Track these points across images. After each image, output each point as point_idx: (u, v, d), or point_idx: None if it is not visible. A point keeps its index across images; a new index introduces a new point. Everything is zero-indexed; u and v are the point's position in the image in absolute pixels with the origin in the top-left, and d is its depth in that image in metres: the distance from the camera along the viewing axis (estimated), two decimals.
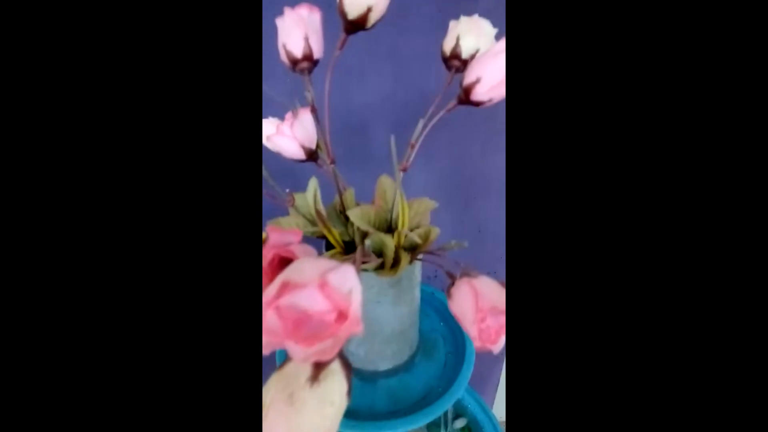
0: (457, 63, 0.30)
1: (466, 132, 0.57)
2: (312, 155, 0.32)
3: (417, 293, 0.39)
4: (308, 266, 0.17)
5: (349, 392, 0.17)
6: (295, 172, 0.35)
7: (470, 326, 0.22)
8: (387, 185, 0.35)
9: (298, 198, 0.36)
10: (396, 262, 0.32)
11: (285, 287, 0.16)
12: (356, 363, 0.41)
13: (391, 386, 0.40)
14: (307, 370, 0.17)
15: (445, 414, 0.56)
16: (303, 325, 0.17)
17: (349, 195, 0.34)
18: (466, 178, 0.61)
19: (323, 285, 0.16)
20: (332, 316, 0.16)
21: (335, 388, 0.16)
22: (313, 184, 0.35)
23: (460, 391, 0.38)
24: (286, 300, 0.16)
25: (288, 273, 0.17)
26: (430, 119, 0.29)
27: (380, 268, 0.34)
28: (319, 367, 0.17)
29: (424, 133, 0.30)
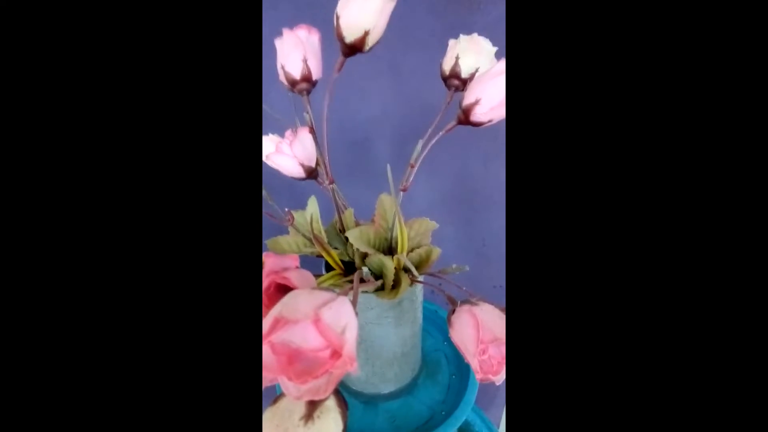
0: (456, 82, 0.30)
1: (468, 147, 0.56)
2: (312, 173, 0.32)
3: (419, 314, 0.38)
4: (302, 300, 0.16)
5: (345, 431, 0.17)
6: (294, 190, 0.35)
7: (471, 358, 0.21)
8: (387, 204, 0.35)
9: (298, 216, 0.36)
10: (396, 285, 0.31)
11: (278, 323, 0.16)
12: (357, 386, 0.40)
13: (393, 410, 0.39)
14: (301, 407, 0.16)
15: None
16: (297, 361, 0.16)
17: (349, 215, 0.33)
18: (469, 193, 0.61)
19: (317, 321, 0.15)
20: (326, 354, 0.15)
21: (330, 427, 0.16)
22: (312, 204, 0.34)
23: (464, 415, 0.37)
24: (279, 336, 0.16)
25: (281, 307, 0.16)
26: (429, 139, 0.29)
27: (380, 290, 0.33)
28: (313, 405, 0.16)
29: (424, 153, 0.29)
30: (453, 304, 0.25)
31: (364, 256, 0.32)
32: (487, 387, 0.75)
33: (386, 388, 0.40)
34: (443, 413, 0.38)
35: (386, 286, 0.32)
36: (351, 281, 0.28)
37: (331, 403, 0.16)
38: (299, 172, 0.32)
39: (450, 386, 0.42)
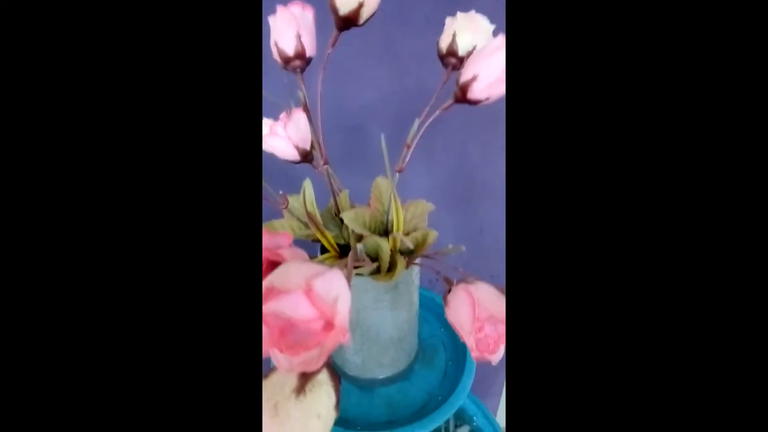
0: (453, 60, 0.29)
1: (467, 131, 0.56)
2: (306, 156, 0.31)
3: (415, 298, 0.37)
4: (294, 271, 0.16)
5: (338, 405, 0.16)
6: (289, 174, 0.35)
7: (467, 336, 0.21)
8: (383, 187, 0.34)
9: (292, 200, 0.35)
10: (392, 267, 0.31)
11: (269, 293, 0.15)
12: (353, 371, 0.40)
13: (389, 395, 0.39)
14: (293, 380, 0.16)
15: (447, 423, 0.55)
16: (288, 333, 0.16)
17: (344, 197, 0.33)
18: (467, 179, 0.60)
19: (309, 291, 0.15)
20: (318, 325, 0.15)
21: (322, 400, 0.15)
22: (306, 186, 0.34)
23: (460, 401, 0.37)
24: (270, 306, 0.15)
25: (273, 278, 0.16)
26: (426, 119, 0.28)
27: (376, 272, 0.33)
28: (305, 378, 0.16)
29: (420, 132, 0.29)
30: (449, 284, 0.25)
31: (360, 238, 0.32)
32: (483, 376, 0.75)
33: (382, 374, 0.39)
34: (440, 398, 0.38)
35: (382, 268, 0.31)
36: (343, 265, 0.27)
37: (324, 377, 0.16)
38: (294, 155, 0.31)
39: (447, 372, 0.41)
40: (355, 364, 0.39)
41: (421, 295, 0.41)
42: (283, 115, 0.30)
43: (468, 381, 0.39)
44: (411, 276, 0.35)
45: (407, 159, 0.30)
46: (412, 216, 0.35)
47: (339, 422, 0.37)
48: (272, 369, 0.17)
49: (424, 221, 0.35)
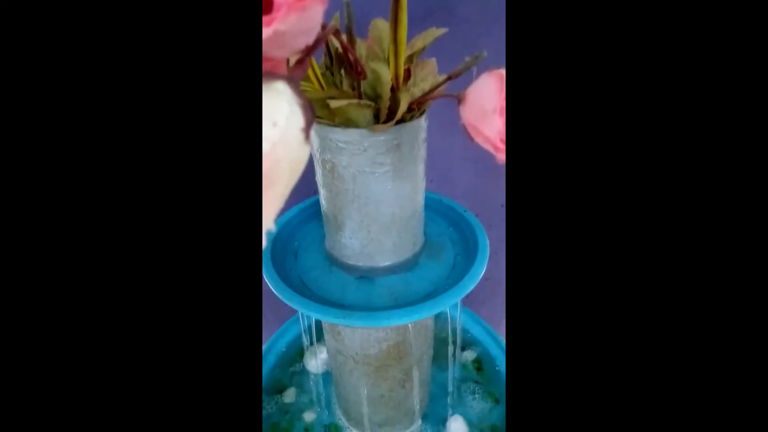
0: None
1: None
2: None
3: (421, 169, 0.33)
4: None
5: (307, 132, 0.12)
6: None
7: (492, 117, 0.16)
8: (383, 28, 0.29)
9: None
10: (393, 108, 0.26)
11: None
12: (351, 258, 0.35)
13: (391, 284, 0.35)
14: None
15: (454, 345, 0.51)
16: None
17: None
18: None
19: None
20: None
21: (280, 107, 0.11)
22: None
23: (470, 286, 0.33)
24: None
25: None
26: None
27: (374, 120, 0.28)
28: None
29: None
30: (461, 99, 0.20)
31: None
32: (486, 297, 0.72)
33: (383, 261, 0.35)
34: (446, 287, 0.33)
35: (381, 109, 0.26)
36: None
37: (283, 87, 0.11)
38: None
39: (455, 265, 0.37)
40: (353, 250, 0.35)
41: (426, 197, 0.36)
42: None
43: (480, 269, 0.34)
44: (416, 135, 0.30)
45: None
46: (422, 78, 0.30)
47: (335, 306, 0.33)
48: None
49: (434, 76, 0.30)
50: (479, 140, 0.18)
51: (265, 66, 0.12)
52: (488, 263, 0.35)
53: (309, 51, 0.13)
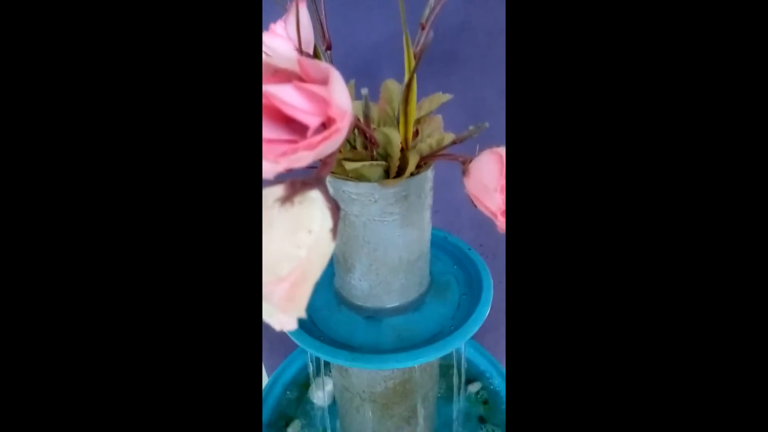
0: None
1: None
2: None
3: (427, 216, 0.34)
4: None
5: (334, 232, 0.13)
6: None
7: (493, 194, 0.18)
8: (393, 89, 0.31)
9: None
10: (402, 166, 0.28)
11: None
12: (360, 299, 0.37)
13: (397, 325, 0.36)
14: (279, 191, 0.13)
15: (459, 377, 0.52)
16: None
17: (350, 87, 0.30)
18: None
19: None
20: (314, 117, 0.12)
21: (314, 215, 0.13)
22: None
23: (474, 328, 0.34)
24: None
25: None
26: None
27: (384, 177, 0.30)
28: (294, 188, 0.13)
29: (437, 10, 0.26)
30: (466, 162, 0.22)
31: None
32: (493, 329, 0.72)
33: (391, 301, 0.37)
34: (452, 327, 0.35)
35: (391, 167, 0.28)
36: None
37: (316, 195, 0.13)
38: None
39: (460, 304, 0.39)
40: (362, 291, 0.36)
41: (432, 235, 0.38)
42: (285, 15, 0.27)
43: (484, 310, 0.36)
44: (423, 187, 0.32)
45: (423, 41, 0.26)
46: (428, 134, 0.32)
47: (343, 348, 0.34)
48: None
49: (439, 127, 0.32)
50: (481, 208, 0.20)
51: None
52: (492, 292, 0.37)
53: (329, 161, 0.14)
